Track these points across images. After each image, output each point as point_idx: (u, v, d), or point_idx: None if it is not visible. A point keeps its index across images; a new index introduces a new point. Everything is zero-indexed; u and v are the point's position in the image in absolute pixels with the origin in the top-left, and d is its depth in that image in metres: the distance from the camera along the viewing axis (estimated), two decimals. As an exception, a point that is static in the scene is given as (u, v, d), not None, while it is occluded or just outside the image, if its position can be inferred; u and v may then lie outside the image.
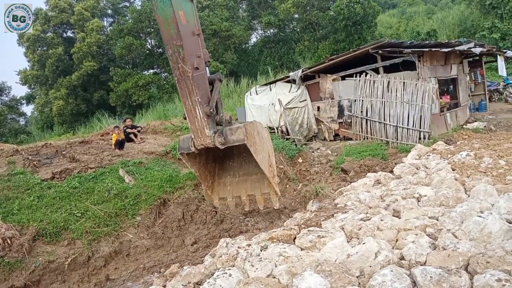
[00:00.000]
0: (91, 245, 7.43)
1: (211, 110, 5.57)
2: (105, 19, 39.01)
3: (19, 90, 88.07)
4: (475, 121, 15.50)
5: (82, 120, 32.20)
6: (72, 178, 9.43)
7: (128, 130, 14.00)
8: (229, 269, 4.65)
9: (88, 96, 34.40)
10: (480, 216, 4.77)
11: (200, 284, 4.66)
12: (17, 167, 10.05)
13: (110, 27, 36.55)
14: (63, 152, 11.73)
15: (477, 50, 15.15)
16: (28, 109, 44.51)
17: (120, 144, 12.55)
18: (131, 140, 13.66)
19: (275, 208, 7.75)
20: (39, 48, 33.90)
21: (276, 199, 6.88)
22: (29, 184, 8.99)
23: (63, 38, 35.57)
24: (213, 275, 4.61)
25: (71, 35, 36.81)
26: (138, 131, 14.36)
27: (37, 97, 38.91)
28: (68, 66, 34.07)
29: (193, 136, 5.81)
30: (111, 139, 13.12)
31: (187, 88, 5.47)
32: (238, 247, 5.46)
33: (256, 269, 4.55)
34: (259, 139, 6.24)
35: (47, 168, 10.23)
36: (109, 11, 39.40)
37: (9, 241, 6.76)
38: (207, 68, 5.99)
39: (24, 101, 40.50)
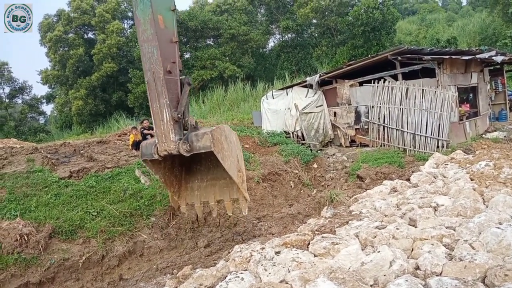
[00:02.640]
0: (105, 244, 7.51)
1: (179, 115, 5.45)
2: (126, 21, 39.51)
3: (40, 90, 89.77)
4: (495, 131, 15.22)
5: (100, 120, 32.65)
6: (89, 177, 9.55)
7: (145, 131, 14.11)
8: (242, 273, 4.64)
9: (106, 97, 34.89)
10: (498, 228, 4.66)
11: (212, 287, 4.66)
12: (36, 165, 10.23)
13: (130, 29, 37.04)
14: (81, 152, 11.91)
15: (499, 58, 14.87)
16: (48, 108, 45.49)
17: (137, 145, 12.67)
18: (147, 141, 13.77)
19: (244, 214, 7.53)
20: (61, 49, 34.55)
21: (245, 205, 6.61)
22: (47, 182, 9.14)
23: (84, 39, 36.18)
24: (225, 278, 4.61)
25: (92, 36, 37.42)
26: (155, 133, 14.47)
27: (57, 96, 39.65)
28: (88, 67, 34.64)
29: (157, 141, 5.64)
30: (128, 140, 13.28)
31: (157, 90, 5.40)
32: (252, 250, 5.45)
33: (269, 273, 4.53)
34: (227, 144, 6.05)
35: (65, 166, 10.39)
36: (130, 14, 39.89)
37: (26, 238, 6.88)
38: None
39: (44, 101, 41.40)
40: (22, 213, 7.77)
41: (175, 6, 5.94)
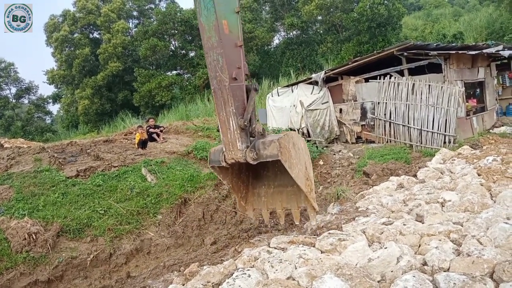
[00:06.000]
0: (113, 242, 7.54)
1: (245, 123, 5.31)
2: (131, 20, 39.67)
3: (46, 90, 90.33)
4: (502, 126, 15.09)
5: (106, 119, 32.85)
6: (96, 176, 9.60)
7: (151, 130, 14.19)
8: (248, 270, 4.64)
9: (112, 96, 35.07)
10: (506, 223, 4.63)
11: (219, 284, 4.67)
12: (43, 164, 10.29)
13: (135, 29, 37.17)
14: (88, 151, 11.96)
15: (506, 53, 14.75)
16: (54, 108, 45.86)
17: (143, 144, 12.73)
18: (153, 140, 13.83)
19: (311, 224, 7.27)
20: (67, 49, 34.79)
21: (314, 215, 6.39)
22: (54, 181, 9.19)
23: (89, 39, 36.37)
24: (232, 275, 4.62)
25: (97, 36, 37.63)
26: (161, 131, 14.54)
27: (63, 96, 39.95)
28: (94, 67, 34.82)
29: (224, 149, 5.56)
30: (134, 139, 13.33)
31: (223, 98, 5.26)
32: (260, 251, 5.45)
33: (276, 270, 4.53)
34: (295, 151, 5.86)
35: (72, 166, 10.44)
36: (135, 13, 40.08)
37: (34, 237, 6.93)
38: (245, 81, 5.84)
39: (50, 100, 41.75)
40: (30, 212, 7.83)
41: (240, 7, 5.76)
